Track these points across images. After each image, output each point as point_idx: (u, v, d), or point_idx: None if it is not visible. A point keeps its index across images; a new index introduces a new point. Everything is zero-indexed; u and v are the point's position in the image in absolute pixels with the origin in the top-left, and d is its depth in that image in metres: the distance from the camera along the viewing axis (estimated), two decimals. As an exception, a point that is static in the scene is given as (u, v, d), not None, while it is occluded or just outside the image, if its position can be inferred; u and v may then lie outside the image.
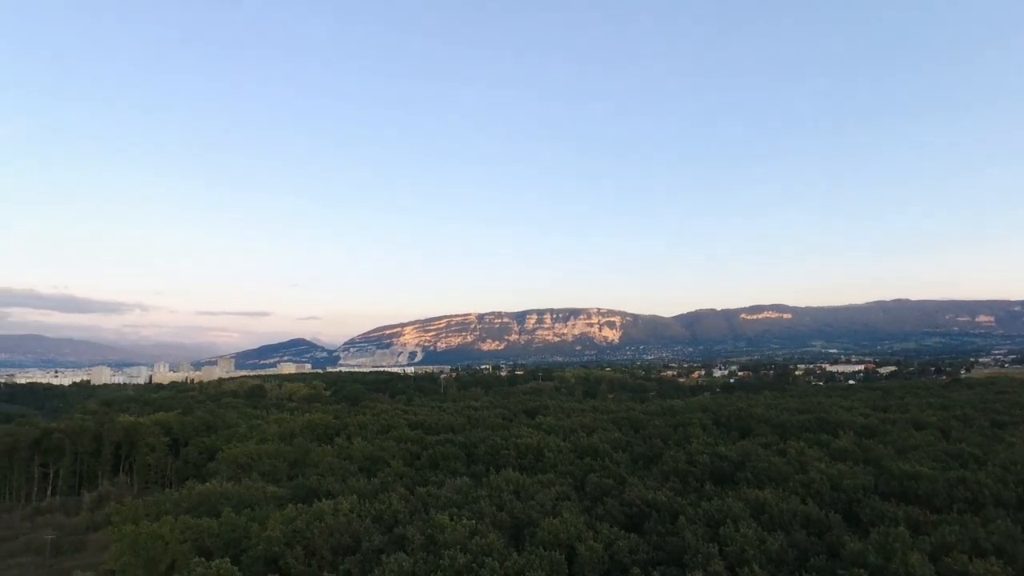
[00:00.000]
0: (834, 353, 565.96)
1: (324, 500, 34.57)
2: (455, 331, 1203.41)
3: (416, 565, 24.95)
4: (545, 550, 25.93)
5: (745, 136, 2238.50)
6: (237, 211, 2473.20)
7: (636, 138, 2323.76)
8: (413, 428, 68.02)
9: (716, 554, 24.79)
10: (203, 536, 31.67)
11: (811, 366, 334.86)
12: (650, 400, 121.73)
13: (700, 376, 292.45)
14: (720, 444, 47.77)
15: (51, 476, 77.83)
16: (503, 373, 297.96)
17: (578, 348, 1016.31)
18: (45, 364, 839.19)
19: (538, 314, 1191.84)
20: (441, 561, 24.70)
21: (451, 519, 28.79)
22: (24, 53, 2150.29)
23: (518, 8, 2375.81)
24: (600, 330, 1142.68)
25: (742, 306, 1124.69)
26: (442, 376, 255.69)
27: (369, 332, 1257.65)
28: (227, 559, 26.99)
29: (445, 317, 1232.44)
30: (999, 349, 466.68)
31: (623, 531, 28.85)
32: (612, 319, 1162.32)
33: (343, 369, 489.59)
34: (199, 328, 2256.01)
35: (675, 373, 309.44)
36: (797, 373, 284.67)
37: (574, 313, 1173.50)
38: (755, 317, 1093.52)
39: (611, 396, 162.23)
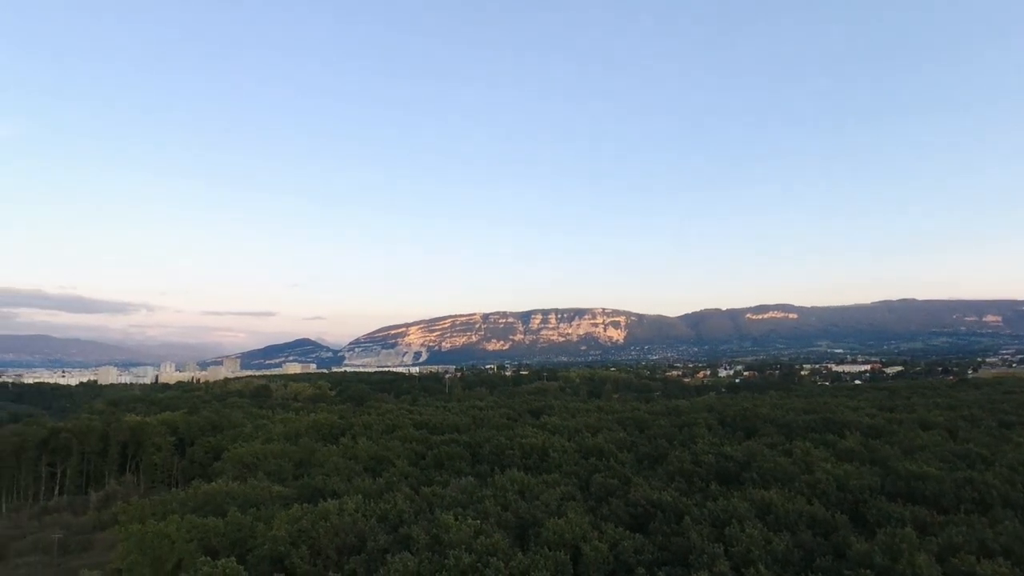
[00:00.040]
0: (840, 353, 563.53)
1: (329, 500, 34.73)
2: (460, 331, 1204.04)
3: (421, 565, 25.02)
4: (550, 550, 25.96)
5: (745, 136, 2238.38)
6: (237, 211, 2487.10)
7: (636, 138, 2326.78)
8: (418, 428, 68.10)
9: (721, 554, 24.75)
10: (209, 535, 31.83)
11: (817, 366, 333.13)
12: (655, 400, 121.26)
13: (705, 376, 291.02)
14: (725, 444, 47.76)
15: (58, 475, 78.35)
16: (508, 373, 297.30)
17: (583, 348, 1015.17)
18: (52, 364, 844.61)
19: (543, 314, 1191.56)
20: (446, 561, 24.76)
21: (456, 519, 28.86)
22: (24, 53, 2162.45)
23: (518, 8, 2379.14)
24: (605, 330, 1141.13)
25: (747, 306, 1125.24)
26: (447, 376, 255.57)
27: (374, 332, 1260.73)
28: (233, 558, 27.11)
29: (450, 317, 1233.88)
30: (1007, 349, 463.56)
31: (628, 531, 28.88)
32: (617, 319, 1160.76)
33: (348, 369, 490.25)
34: (205, 328, 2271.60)
35: (680, 373, 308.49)
36: (803, 373, 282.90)
37: (579, 313, 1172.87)
38: (760, 317, 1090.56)
39: (616, 396, 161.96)
